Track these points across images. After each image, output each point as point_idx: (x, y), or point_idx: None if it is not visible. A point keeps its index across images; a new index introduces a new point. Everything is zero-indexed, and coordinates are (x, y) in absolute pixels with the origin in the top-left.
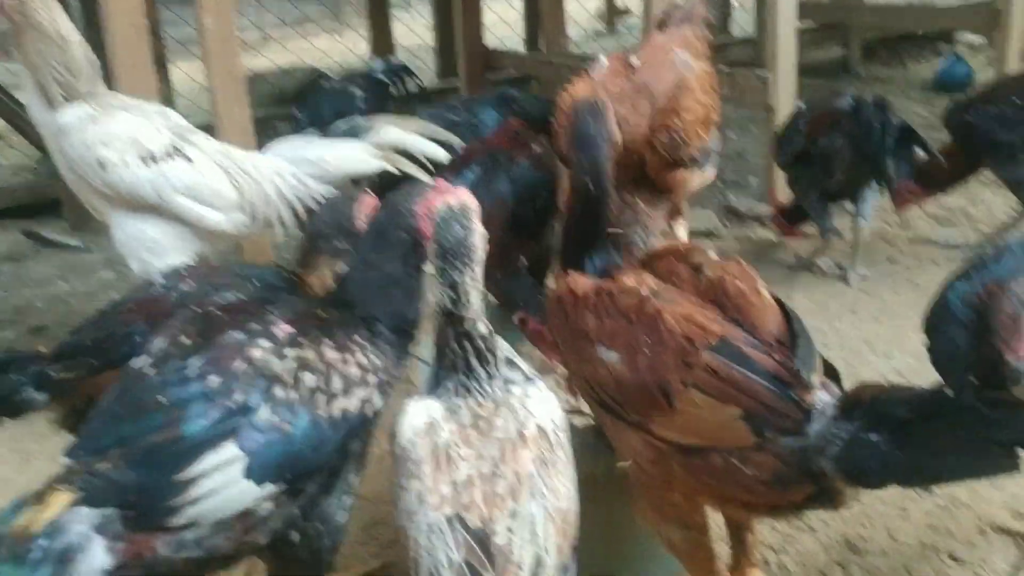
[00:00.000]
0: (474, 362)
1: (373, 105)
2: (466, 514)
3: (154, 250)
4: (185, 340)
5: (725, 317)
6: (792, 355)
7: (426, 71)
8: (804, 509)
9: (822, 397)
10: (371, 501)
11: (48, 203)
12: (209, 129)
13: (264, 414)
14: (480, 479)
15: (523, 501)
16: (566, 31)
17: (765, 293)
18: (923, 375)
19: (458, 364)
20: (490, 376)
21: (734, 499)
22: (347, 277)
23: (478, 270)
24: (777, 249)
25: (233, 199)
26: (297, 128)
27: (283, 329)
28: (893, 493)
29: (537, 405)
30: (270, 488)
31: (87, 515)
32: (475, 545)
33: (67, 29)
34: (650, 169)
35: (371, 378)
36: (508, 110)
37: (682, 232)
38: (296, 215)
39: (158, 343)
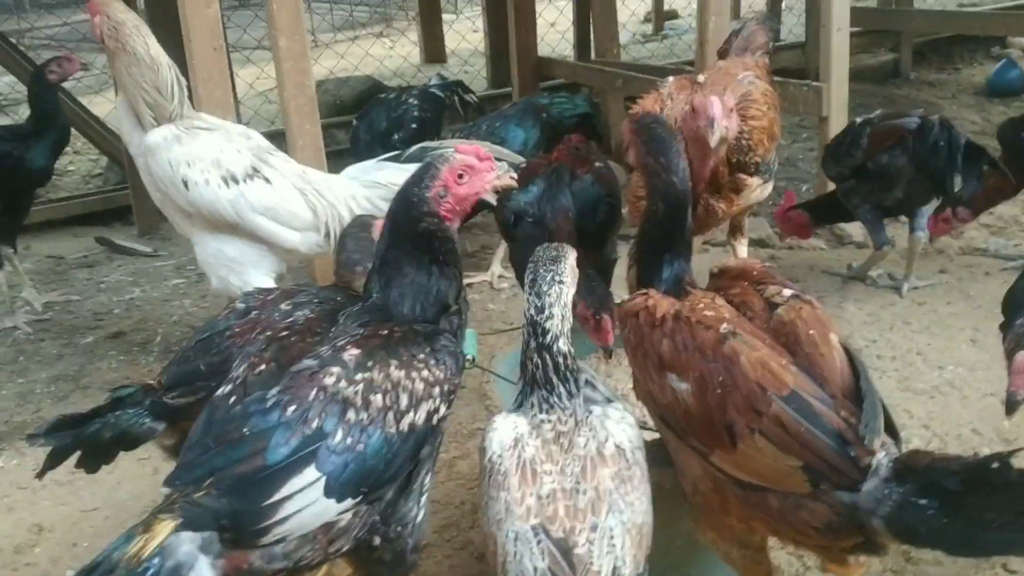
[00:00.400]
0: (554, 378)
1: (428, 119)
2: (550, 525)
3: (233, 268)
4: (262, 367)
5: (796, 365)
6: (858, 415)
7: (478, 79)
8: (851, 554)
9: (879, 458)
10: (443, 505)
11: (118, 210)
12: (272, 137)
13: (339, 437)
14: (563, 493)
15: (602, 515)
16: (618, 38)
17: (836, 342)
18: (974, 386)
19: (539, 377)
20: (570, 394)
21: (786, 535)
22: (373, 276)
23: (566, 293)
24: (829, 259)
25: (309, 220)
26: (355, 137)
27: (351, 354)
28: None
29: (615, 425)
30: (349, 502)
31: (190, 537)
32: (557, 554)
33: (157, 52)
34: (719, 174)
35: (435, 391)
36: (536, 120)
37: (742, 250)
38: None
39: (239, 371)
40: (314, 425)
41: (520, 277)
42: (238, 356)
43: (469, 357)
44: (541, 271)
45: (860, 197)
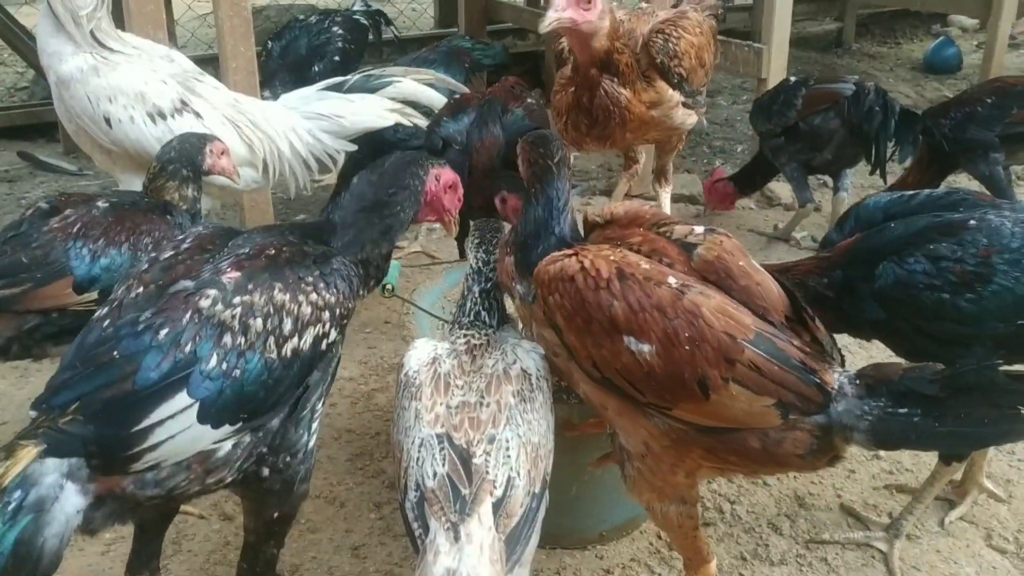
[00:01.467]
0: (484, 315)
1: (352, 50)
2: (454, 433)
3: None
4: (140, 289)
5: (736, 301)
6: (813, 338)
7: (424, 18)
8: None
9: (837, 378)
10: (358, 435)
11: (43, 126)
12: (207, 62)
13: (213, 362)
14: (467, 406)
15: (500, 427)
16: None
17: (761, 269)
18: (880, 346)
19: (474, 312)
20: (493, 326)
21: (764, 470)
22: (337, 219)
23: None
24: (756, 219)
25: (243, 155)
26: (268, 62)
27: (231, 277)
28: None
29: (524, 353)
30: (227, 429)
31: (55, 464)
32: (457, 461)
33: None
34: (621, 61)
35: (324, 315)
36: (460, 65)
37: (666, 198)
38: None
39: (117, 292)
40: (187, 349)
41: None
42: (60, 248)
43: (389, 286)
44: (487, 235)
45: (788, 155)
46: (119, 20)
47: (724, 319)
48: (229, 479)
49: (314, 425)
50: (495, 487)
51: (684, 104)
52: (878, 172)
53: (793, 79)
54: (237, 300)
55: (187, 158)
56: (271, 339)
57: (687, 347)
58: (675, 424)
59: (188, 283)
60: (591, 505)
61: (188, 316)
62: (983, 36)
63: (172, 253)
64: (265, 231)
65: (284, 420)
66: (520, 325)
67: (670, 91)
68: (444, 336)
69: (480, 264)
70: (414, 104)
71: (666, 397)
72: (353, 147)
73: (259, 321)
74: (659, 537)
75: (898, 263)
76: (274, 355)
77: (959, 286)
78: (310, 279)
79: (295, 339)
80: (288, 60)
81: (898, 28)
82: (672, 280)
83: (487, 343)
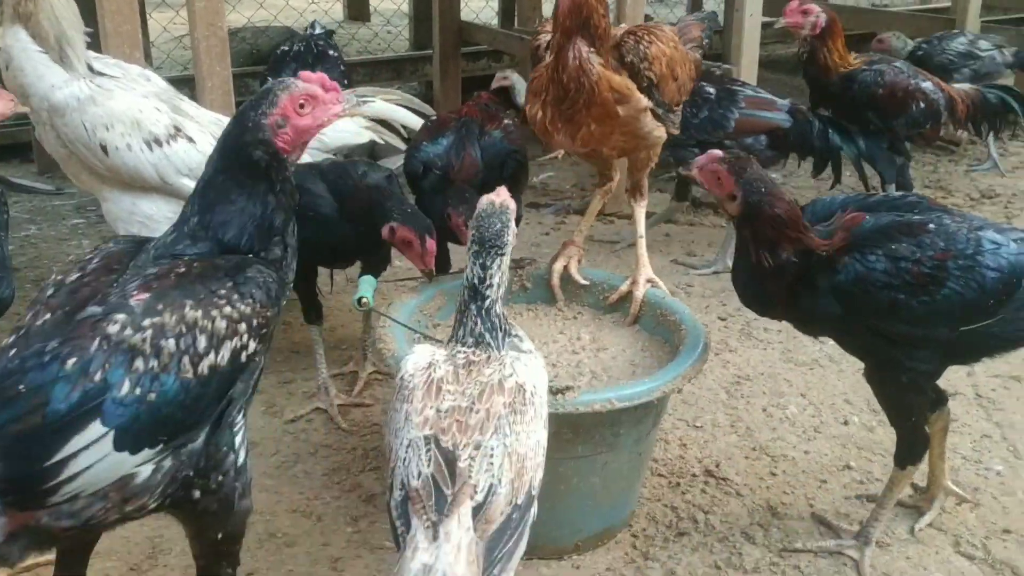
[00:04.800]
0: (487, 335)
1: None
2: (442, 436)
3: (147, 224)
4: (48, 315)
5: None
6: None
7: (400, 40)
8: None
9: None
10: (335, 450)
11: (18, 146)
12: (186, 83)
13: (125, 389)
14: (458, 410)
15: (487, 435)
16: (541, 8)
17: None
18: (850, 360)
19: (473, 332)
20: (496, 344)
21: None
22: (194, 200)
23: (506, 262)
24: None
25: None
26: None
27: (139, 299)
28: (815, 466)
29: (523, 367)
30: (147, 452)
31: None
32: (443, 463)
33: None
34: (600, 24)
35: (241, 327)
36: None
37: (641, 213)
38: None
39: (25, 320)
40: (97, 378)
41: None
42: None
43: (365, 300)
44: (486, 245)
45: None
46: (94, 39)
47: None
48: (152, 505)
49: (237, 439)
50: (476, 491)
51: (654, 114)
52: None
53: (720, 96)
54: (147, 323)
55: None
56: (185, 359)
57: None
58: None
59: (96, 308)
60: (567, 515)
61: (96, 343)
62: None
63: (78, 275)
64: (174, 244)
65: (207, 439)
66: (524, 340)
67: (638, 93)
68: (444, 346)
69: (476, 280)
70: (386, 124)
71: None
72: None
73: (171, 342)
74: (634, 547)
75: (860, 259)
76: (190, 374)
77: (914, 288)
78: (223, 292)
79: (211, 355)
80: None
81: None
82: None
83: (487, 359)
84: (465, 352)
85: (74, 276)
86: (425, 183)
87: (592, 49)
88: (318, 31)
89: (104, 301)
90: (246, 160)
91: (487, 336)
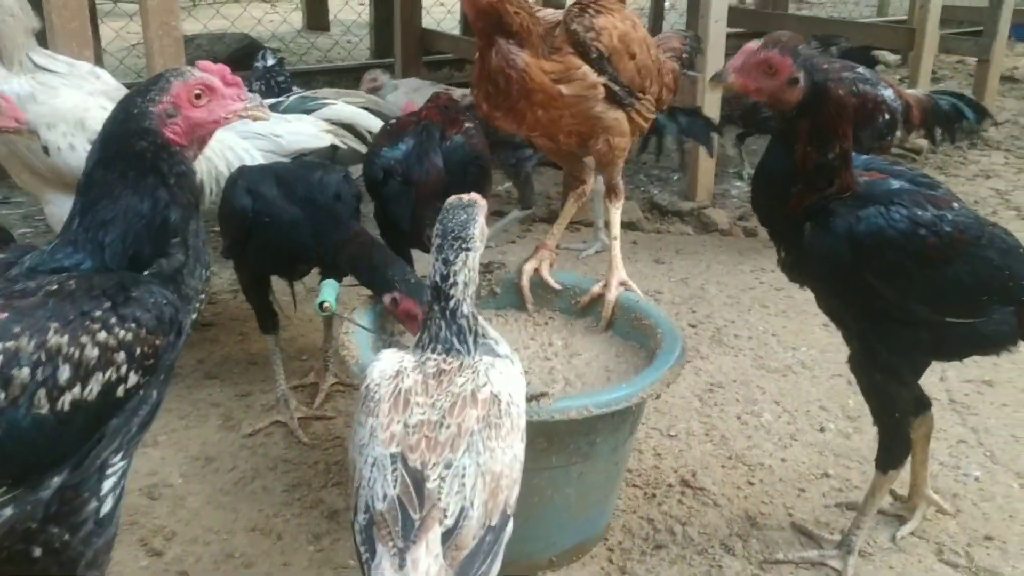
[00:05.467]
0: (454, 339)
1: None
2: (409, 454)
3: None
4: None
5: None
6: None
7: (360, 49)
8: None
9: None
10: (295, 464)
11: None
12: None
13: None
14: (427, 425)
15: (459, 453)
16: None
17: None
18: (823, 366)
19: (440, 336)
20: (466, 349)
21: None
22: (84, 200)
23: (472, 259)
24: (695, 244)
25: None
26: None
27: None
28: (793, 474)
29: (498, 375)
30: None
31: None
32: (410, 483)
33: None
34: (554, 43)
35: (119, 357)
36: None
37: (616, 215)
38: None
39: None
40: None
41: (384, 236)
42: None
43: (327, 304)
44: (449, 237)
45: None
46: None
47: None
48: None
49: (106, 485)
50: (446, 516)
51: (609, 93)
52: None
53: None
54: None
55: None
56: (42, 392)
57: None
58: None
59: None
60: (541, 529)
61: None
62: (905, 71)
63: None
64: (52, 253)
65: (65, 481)
66: (500, 343)
67: (584, 67)
68: (411, 351)
69: (439, 277)
70: (348, 127)
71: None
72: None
73: (25, 371)
74: (611, 561)
75: (884, 214)
76: (45, 410)
77: (923, 259)
78: (97, 314)
79: (76, 389)
80: None
81: None
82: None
83: (459, 367)
84: (435, 360)
85: None
86: (386, 190)
87: (513, 42)
88: (270, 62)
89: None
90: (129, 151)
91: (455, 341)
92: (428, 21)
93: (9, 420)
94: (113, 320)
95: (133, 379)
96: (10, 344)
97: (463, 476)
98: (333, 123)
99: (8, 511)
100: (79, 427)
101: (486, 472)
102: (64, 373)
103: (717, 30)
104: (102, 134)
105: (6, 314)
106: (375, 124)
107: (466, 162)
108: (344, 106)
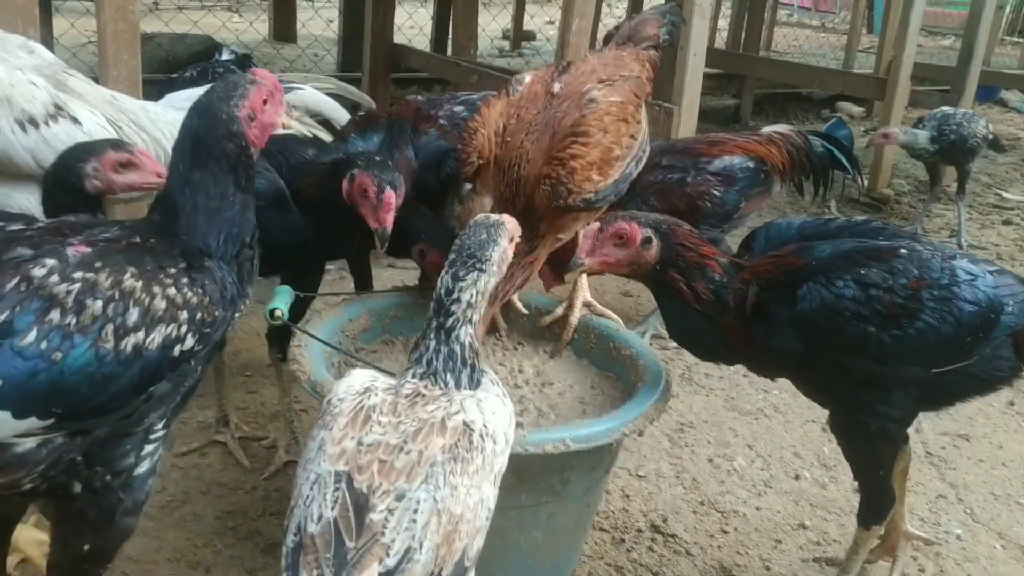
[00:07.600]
0: (439, 364)
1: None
2: (356, 475)
3: None
4: None
5: None
6: None
7: (326, 62)
8: None
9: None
10: (231, 489)
11: None
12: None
13: (30, 338)
14: (384, 447)
15: (416, 484)
16: (476, 39)
17: None
18: (796, 411)
19: (426, 360)
20: (455, 380)
21: None
22: (168, 201)
23: (484, 281)
24: None
25: None
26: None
27: (79, 250)
28: (768, 523)
29: (475, 406)
30: (33, 422)
31: None
32: (350, 507)
33: None
34: (539, 208)
35: (182, 315)
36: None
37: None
38: None
39: None
40: (2, 318)
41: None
42: None
43: (279, 311)
44: (464, 254)
45: None
46: None
47: None
48: (28, 485)
49: (147, 448)
50: (388, 554)
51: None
52: None
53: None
54: (78, 275)
55: (63, 185)
56: (109, 327)
57: None
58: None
59: (25, 250)
60: (503, 574)
61: (14, 283)
62: (868, 124)
63: (22, 227)
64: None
65: (110, 431)
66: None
67: (578, 215)
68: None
69: (443, 290)
70: (314, 115)
71: None
72: None
73: (98, 304)
74: None
75: (826, 285)
76: (109, 346)
77: (886, 319)
78: (172, 271)
79: (140, 334)
80: None
81: (790, 110)
82: None
83: (439, 393)
84: (414, 384)
85: (16, 227)
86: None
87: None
88: (225, 56)
89: (39, 245)
90: (221, 152)
91: (438, 365)
92: (398, 38)
93: (74, 345)
94: (185, 280)
95: (189, 342)
96: (89, 275)
97: (415, 511)
98: (296, 107)
99: (58, 437)
100: (134, 375)
101: (443, 511)
102: (133, 316)
103: (696, 63)
104: (189, 139)
105: (90, 249)
106: (341, 115)
107: (441, 155)
108: (311, 91)
